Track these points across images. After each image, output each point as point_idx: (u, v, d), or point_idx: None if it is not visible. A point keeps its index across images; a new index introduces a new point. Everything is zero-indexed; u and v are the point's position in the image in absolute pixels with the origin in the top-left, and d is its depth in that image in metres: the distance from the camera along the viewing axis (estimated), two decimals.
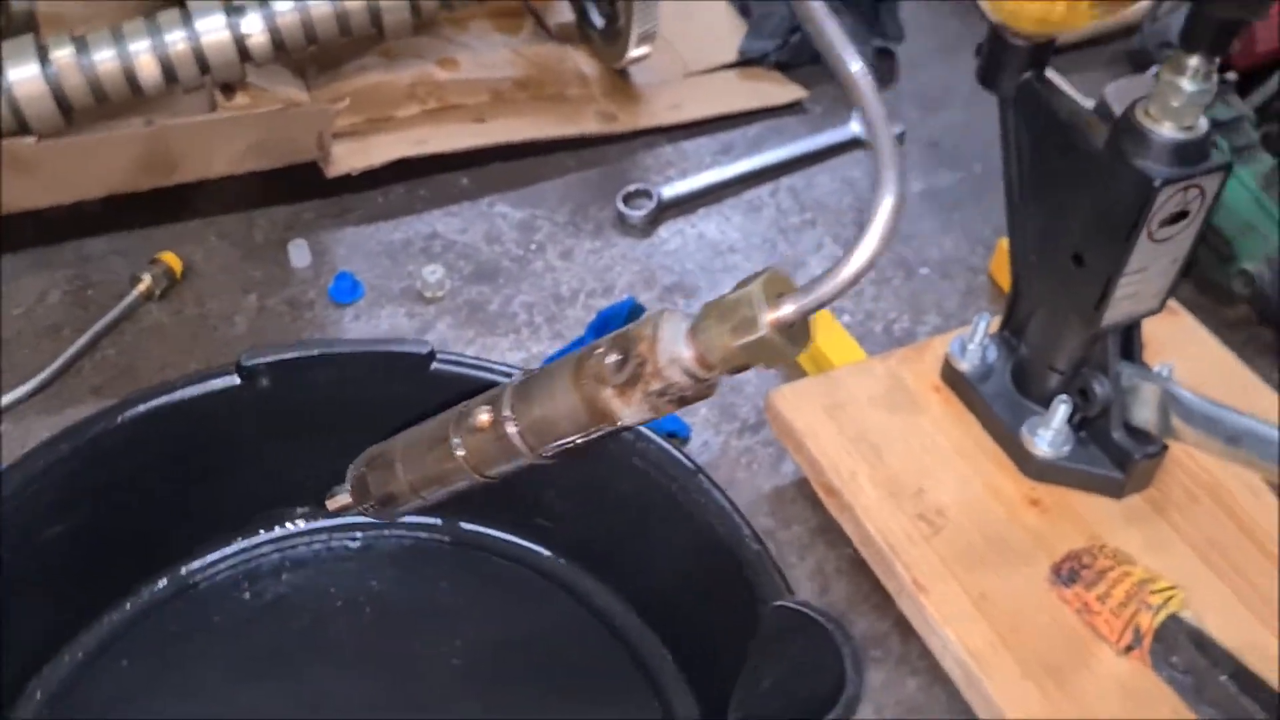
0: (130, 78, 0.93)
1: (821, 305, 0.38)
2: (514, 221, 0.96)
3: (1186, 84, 0.59)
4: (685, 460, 0.64)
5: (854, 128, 1.04)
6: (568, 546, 0.70)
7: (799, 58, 1.11)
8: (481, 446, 0.44)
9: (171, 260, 0.87)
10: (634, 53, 1.05)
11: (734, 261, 0.93)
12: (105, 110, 0.94)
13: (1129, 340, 0.70)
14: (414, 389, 0.66)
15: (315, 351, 0.66)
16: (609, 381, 0.40)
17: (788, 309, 0.38)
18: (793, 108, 1.08)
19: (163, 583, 0.67)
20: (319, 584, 0.67)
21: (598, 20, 1.10)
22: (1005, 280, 0.80)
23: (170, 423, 0.64)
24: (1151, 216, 0.62)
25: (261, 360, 0.65)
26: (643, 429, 0.65)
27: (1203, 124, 0.61)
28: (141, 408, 0.63)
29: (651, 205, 0.96)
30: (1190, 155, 0.61)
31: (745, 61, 1.12)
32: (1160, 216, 0.62)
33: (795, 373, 0.85)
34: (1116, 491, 0.71)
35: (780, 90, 1.10)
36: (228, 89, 1.00)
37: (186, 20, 0.94)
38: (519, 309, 0.88)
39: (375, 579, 0.67)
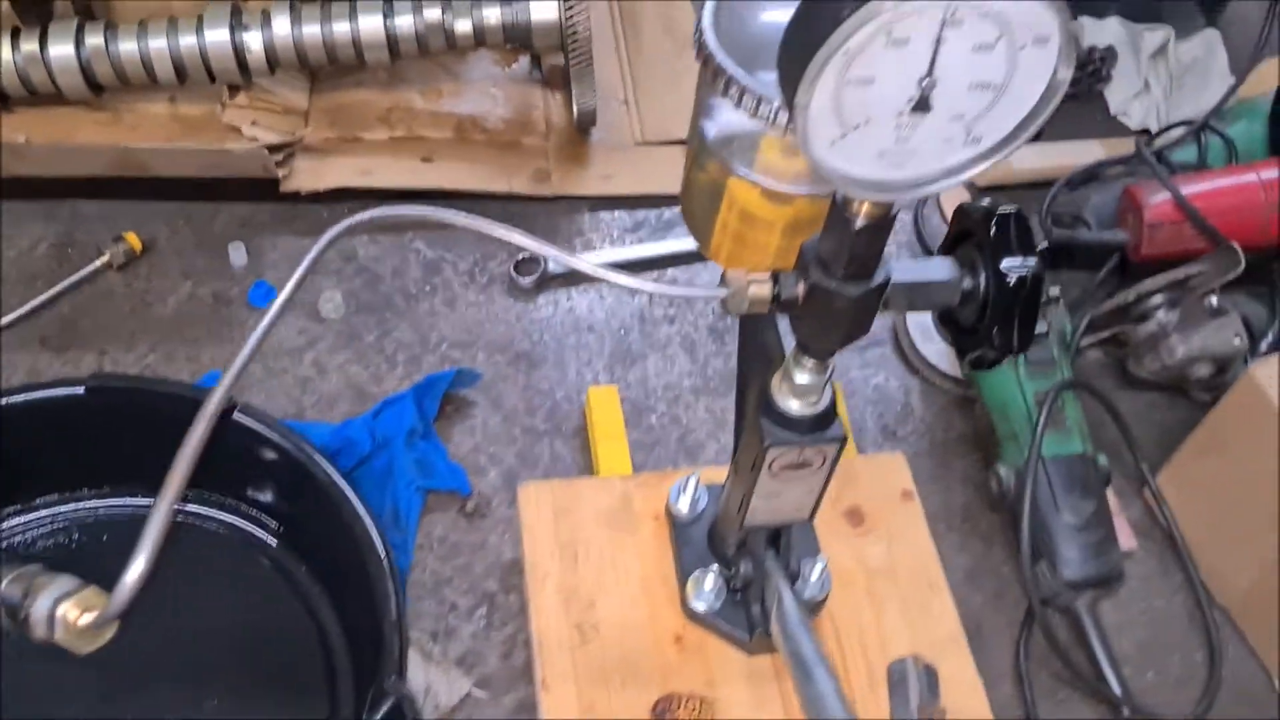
0: (148, 69, 1.13)
1: (101, 623, 0.58)
2: (424, 260, 1.13)
3: (801, 377, 0.71)
4: (380, 548, 0.82)
5: None
6: (308, 555, 0.89)
7: None
8: None
9: (132, 240, 1.08)
10: (577, 123, 1.19)
11: (586, 342, 1.08)
12: (131, 88, 1.15)
13: (777, 536, 0.83)
14: (217, 430, 0.86)
15: (144, 385, 0.86)
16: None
17: (85, 619, 0.56)
18: None
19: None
20: (113, 541, 0.89)
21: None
22: None
23: (33, 413, 0.85)
24: (769, 464, 0.75)
25: (105, 383, 0.86)
26: (362, 508, 0.83)
27: (825, 400, 0.73)
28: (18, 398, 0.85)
29: (537, 273, 1.11)
30: (806, 427, 0.73)
31: None
32: (778, 464, 0.75)
33: (588, 465, 1.01)
34: (748, 649, 0.85)
35: None
36: (234, 88, 1.19)
37: (199, 28, 1.13)
38: (389, 345, 1.06)
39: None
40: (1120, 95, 1.37)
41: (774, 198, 0.72)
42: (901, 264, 0.67)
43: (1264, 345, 1.07)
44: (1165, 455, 1.05)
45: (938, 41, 0.51)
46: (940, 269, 0.67)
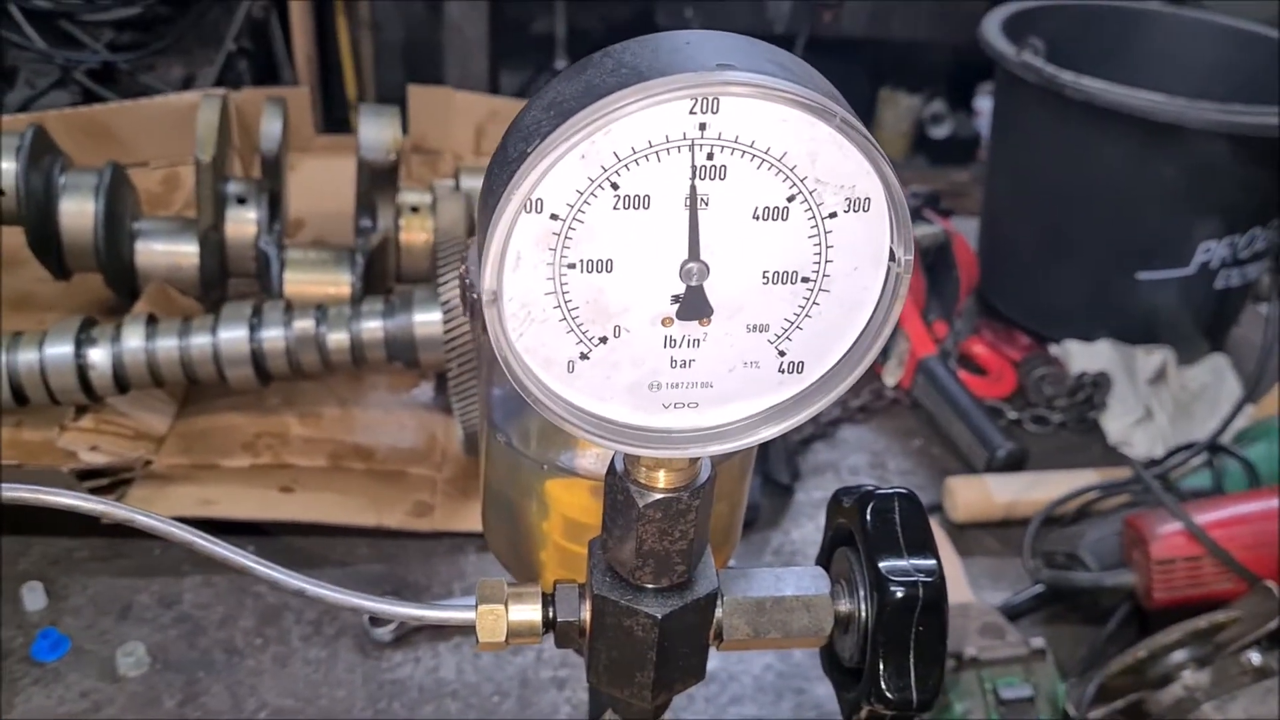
0: None
1: None
2: (262, 606, 0.92)
3: None
4: None
5: None
6: None
7: None
8: None
9: None
10: (464, 448, 1.02)
11: (448, 711, 0.85)
12: None
13: None
14: None
15: None
16: None
17: None
18: None
19: None
20: None
21: None
22: None
23: None
24: None
25: None
26: None
27: None
28: None
29: (396, 623, 0.90)
30: None
31: None
32: None
33: None
34: None
35: None
36: (81, 409, 1.04)
37: (41, 343, 1.00)
38: (192, 713, 0.83)
39: None
40: (1119, 424, 1.19)
41: None
42: (749, 572, 0.47)
43: None
44: None
45: (694, 201, 0.34)
46: (804, 581, 0.46)
